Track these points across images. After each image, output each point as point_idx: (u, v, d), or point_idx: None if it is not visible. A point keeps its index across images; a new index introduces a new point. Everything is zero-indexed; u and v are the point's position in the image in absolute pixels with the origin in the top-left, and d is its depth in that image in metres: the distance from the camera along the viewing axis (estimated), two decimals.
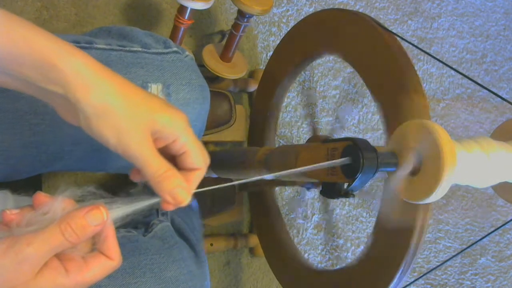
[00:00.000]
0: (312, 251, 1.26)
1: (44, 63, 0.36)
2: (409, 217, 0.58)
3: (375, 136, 1.35)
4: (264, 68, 0.99)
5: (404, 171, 0.47)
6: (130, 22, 1.06)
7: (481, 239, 0.60)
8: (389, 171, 0.48)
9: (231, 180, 1.00)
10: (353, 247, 1.30)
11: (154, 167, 0.39)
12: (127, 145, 0.39)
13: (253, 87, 1.13)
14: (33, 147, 0.54)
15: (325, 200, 1.26)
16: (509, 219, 0.60)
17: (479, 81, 1.46)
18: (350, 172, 0.48)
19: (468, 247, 0.60)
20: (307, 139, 0.91)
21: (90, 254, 0.39)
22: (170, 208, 0.41)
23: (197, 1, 0.83)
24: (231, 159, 0.76)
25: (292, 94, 1.24)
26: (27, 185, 0.64)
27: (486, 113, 1.51)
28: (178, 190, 0.40)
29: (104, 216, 0.38)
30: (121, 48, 0.57)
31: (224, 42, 1.03)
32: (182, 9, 0.87)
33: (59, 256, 0.37)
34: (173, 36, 0.91)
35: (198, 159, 0.43)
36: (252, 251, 1.16)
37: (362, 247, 1.29)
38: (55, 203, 0.38)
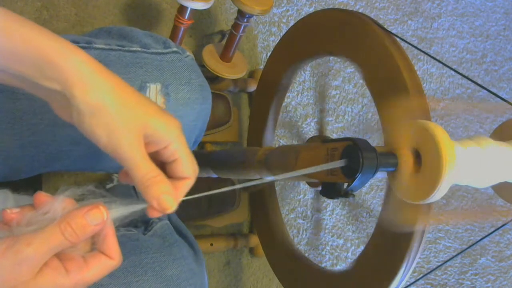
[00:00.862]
0: (312, 251, 1.26)
1: (42, 60, 0.36)
2: (409, 217, 0.58)
3: (375, 136, 1.35)
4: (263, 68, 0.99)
5: (403, 171, 0.47)
6: (130, 22, 1.06)
7: (481, 239, 0.60)
8: (389, 171, 0.48)
9: (231, 180, 1.01)
10: (353, 247, 1.30)
11: (143, 170, 0.39)
12: (118, 145, 0.38)
13: (253, 87, 1.13)
14: (32, 147, 0.54)
15: (324, 199, 1.26)
16: (509, 219, 0.61)
17: (479, 81, 1.46)
18: (350, 172, 0.48)
19: (469, 247, 0.60)
20: (307, 139, 0.91)
21: (90, 254, 0.39)
22: (155, 214, 0.40)
23: (197, 1, 0.83)
24: (231, 159, 0.76)
25: (292, 94, 1.24)
26: (27, 185, 0.64)
27: (486, 113, 1.52)
28: (165, 196, 0.39)
29: (104, 216, 0.38)
30: (120, 48, 0.57)
31: (224, 42, 1.03)
32: (182, 9, 0.87)
33: (59, 256, 0.37)
34: (173, 36, 0.91)
35: (188, 168, 0.42)
36: (252, 251, 1.16)
37: (362, 247, 1.29)
38: (55, 202, 0.38)
